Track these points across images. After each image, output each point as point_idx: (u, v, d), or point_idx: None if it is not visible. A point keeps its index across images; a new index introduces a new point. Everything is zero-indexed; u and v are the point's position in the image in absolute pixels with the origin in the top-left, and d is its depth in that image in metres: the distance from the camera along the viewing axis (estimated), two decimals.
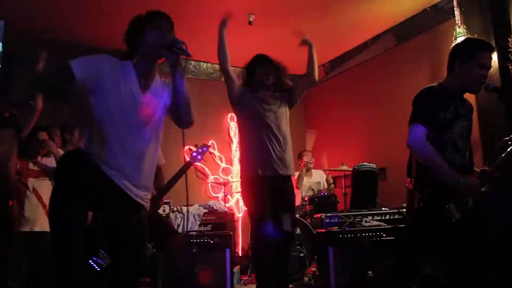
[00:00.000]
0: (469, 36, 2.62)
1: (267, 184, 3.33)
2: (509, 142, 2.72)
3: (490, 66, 2.55)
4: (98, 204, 2.00)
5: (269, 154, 3.36)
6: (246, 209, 3.55)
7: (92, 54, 2.06)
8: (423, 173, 2.45)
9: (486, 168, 2.50)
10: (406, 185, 2.61)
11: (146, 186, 2.12)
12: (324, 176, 6.08)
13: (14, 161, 3.58)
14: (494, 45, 4.32)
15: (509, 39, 4.29)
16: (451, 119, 2.47)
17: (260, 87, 3.53)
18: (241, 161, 3.56)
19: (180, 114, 2.16)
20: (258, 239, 3.32)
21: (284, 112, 3.54)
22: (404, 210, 4.15)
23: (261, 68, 3.52)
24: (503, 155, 2.54)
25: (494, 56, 4.37)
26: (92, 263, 1.93)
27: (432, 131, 2.42)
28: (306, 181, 5.99)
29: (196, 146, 3.65)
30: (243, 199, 3.56)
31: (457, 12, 4.68)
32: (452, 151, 2.48)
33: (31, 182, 3.94)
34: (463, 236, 2.39)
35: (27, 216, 3.86)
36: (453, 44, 2.63)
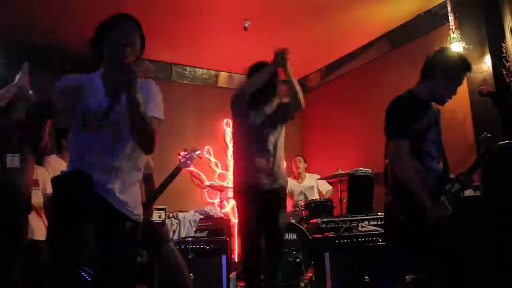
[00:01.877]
0: (454, 51, 2.61)
1: (258, 195, 3.33)
2: (504, 147, 2.74)
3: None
4: (88, 217, 2.00)
5: (263, 167, 3.36)
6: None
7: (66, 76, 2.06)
8: (400, 185, 2.44)
9: (461, 177, 2.54)
10: (384, 196, 2.60)
11: (130, 196, 2.07)
12: (318, 179, 6.10)
13: (29, 175, 3.58)
14: (488, 50, 4.40)
15: (502, 44, 4.31)
16: (425, 128, 2.48)
17: (265, 103, 3.49)
18: (235, 171, 3.55)
19: (138, 139, 2.02)
20: (247, 250, 3.37)
21: (280, 128, 3.52)
22: None
23: (271, 89, 3.44)
24: (474, 161, 2.57)
25: (488, 61, 4.41)
26: (83, 273, 1.94)
27: (409, 142, 2.42)
28: (297, 185, 6.03)
29: (185, 150, 3.63)
30: (237, 207, 3.55)
31: (451, 18, 4.71)
32: (429, 159, 2.48)
33: None
34: (447, 242, 2.38)
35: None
36: (438, 54, 2.61)
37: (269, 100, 3.49)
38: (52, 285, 1.89)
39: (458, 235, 2.47)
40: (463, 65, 2.53)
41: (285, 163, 3.58)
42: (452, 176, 2.63)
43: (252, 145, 3.40)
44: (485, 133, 2.81)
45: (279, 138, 3.49)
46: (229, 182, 6.77)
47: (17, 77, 3.23)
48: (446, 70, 2.52)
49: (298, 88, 3.37)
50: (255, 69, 3.44)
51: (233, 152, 3.60)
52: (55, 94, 1.98)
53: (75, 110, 1.99)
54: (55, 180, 2.06)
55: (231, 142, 6.89)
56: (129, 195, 2.07)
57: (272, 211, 3.37)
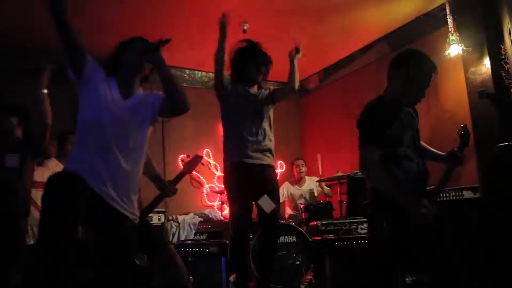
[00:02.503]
0: (419, 53, 2.50)
1: (247, 171, 3.46)
2: (504, 149, 2.73)
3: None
4: (85, 219, 2.08)
5: (248, 142, 3.50)
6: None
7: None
8: (378, 194, 2.42)
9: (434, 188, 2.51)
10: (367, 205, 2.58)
11: (131, 197, 2.20)
12: (317, 181, 6.09)
13: (29, 176, 3.58)
14: (487, 53, 4.40)
15: (501, 46, 4.32)
16: (398, 133, 2.42)
17: (249, 83, 3.66)
18: (223, 150, 3.69)
19: (175, 100, 2.29)
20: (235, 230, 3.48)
21: (265, 106, 3.66)
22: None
23: (253, 66, 3.63)
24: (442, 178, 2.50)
25: (487, 63, 4.41)
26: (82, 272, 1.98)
27: (383, 149, 2.37)
28: (297, 189, 6.04)
29: (188, 156, 3.66)
30: (224, 187, 3.70)
31: (450, 20, 4.71)
32: (406, 161, 2.43)
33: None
34: (429, 249, 2.35)
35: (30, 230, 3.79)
36: (400, 57, 2.54)
37: (253, 78, 3.67)
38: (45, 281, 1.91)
39: (444, 238, 2.45)
40: (425, 68, 2.44)
41: (284, 166, 3.62)
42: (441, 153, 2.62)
43: (238, 124, 3.57)
44: (462, 126, 2.63)
45: (266, 119, 3.63)
46: None
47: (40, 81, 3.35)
48: (407, 72, 2.44)
49: (297, 76, 3.70)
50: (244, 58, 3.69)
51: (223, 130, 3.77)
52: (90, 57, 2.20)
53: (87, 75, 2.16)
54: (48, 180, 2.12)
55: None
56: (129, 196, 2.16)
57: (262, 189, 3.47)
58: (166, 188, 3.11)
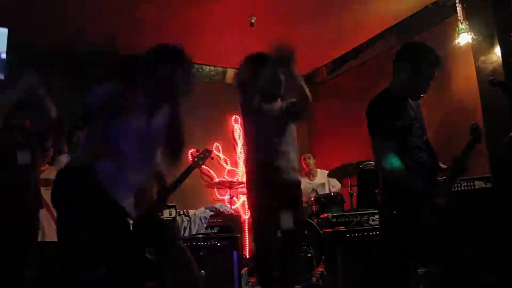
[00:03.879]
0: (423, 45, 2.49)
1: (272, 188, 3.28)
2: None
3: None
4: (97, 216, 2.06)
5: (275, 158, 3.31)
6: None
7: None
8: (389, 183, 2.43)
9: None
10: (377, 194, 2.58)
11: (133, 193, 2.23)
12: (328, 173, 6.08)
13: (39, 171, 3.61)
14: (497, 41, 4.35)
15: None
16: (408, 124, 2.43)
17: (272, 99, 3.44)
18: (247, 164, 3.53)
19: (174, 146, 2.27)
20: (260, 243, 3.32)
21: (291, 126, 3.46)
22: None
23: (272, 79, 3.37)
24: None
25: (498, 52, 4.37)
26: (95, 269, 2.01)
27: (395, 141, 2.38)
28: (308, 183, 6.03)
29: (197, 151, 3.65)
30: (247, 200, 3.55)
31: (459, 9, 4.67)
32: (417, 151, 2.44)
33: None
34: (440, 239, 2.33)
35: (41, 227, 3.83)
36: (403, 49, 2.54)
37: (278, 95, 3.44)
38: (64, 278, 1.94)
39: (454, 228, 2.44)
40: (427, 59, 2.44)
41: None
42: (443, 166, 2.61)
43: (264, 140, 3.35)
44: (472, 121, 2.74)
45: (291, 135, 3.44)
46: (239, 178, 6.78)
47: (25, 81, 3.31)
48: (410, 65, 2.45)
49: (303, 82, 3.30)
50: (254, 61, 3.40)
51: (245, 146, 3.59)
52: None
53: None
54: (63, 173, 2.20)
55: (240, 139, 6.88)
56: (132, 194, 2.19)
57: (287, 204, 3.32)
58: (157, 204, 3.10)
